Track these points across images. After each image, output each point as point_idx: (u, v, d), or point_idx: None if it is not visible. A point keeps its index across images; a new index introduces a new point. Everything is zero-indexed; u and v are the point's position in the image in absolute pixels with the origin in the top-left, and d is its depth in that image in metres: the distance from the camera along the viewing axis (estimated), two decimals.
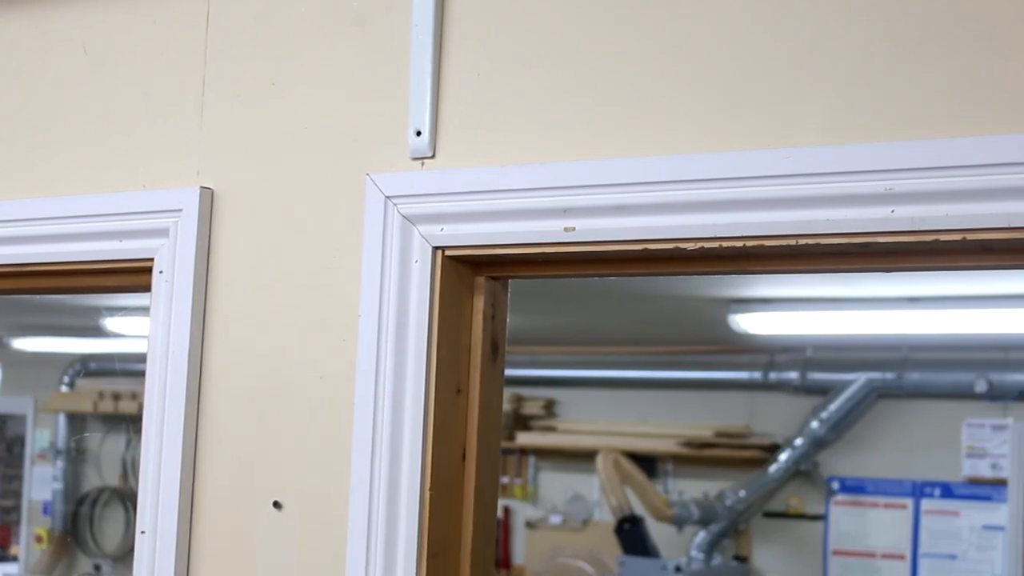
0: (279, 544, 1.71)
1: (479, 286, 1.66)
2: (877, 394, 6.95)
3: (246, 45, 1.83)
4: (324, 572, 1.66)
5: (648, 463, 7.41)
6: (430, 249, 1.61)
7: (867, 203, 1.35)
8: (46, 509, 9.57)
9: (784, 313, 5.98)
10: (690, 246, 1.46)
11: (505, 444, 7.73)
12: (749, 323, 6.06)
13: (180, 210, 1.81)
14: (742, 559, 7.34)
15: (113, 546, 9.32)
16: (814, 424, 7.01)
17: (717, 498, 6.92)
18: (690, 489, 7.30)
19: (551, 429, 7.92)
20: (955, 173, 1.30)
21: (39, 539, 9.52)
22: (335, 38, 1.74)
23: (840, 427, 7.03)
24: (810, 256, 1.44)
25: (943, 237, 1.33)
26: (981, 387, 6.58)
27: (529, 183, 1.54)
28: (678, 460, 7.59)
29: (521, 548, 8.18)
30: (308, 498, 1.69)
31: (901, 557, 7.01)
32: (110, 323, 7.05)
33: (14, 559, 9.66)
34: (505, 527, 8.16)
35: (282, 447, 1.72)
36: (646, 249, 1.49)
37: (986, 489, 6.85)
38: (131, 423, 9.12)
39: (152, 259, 1.83)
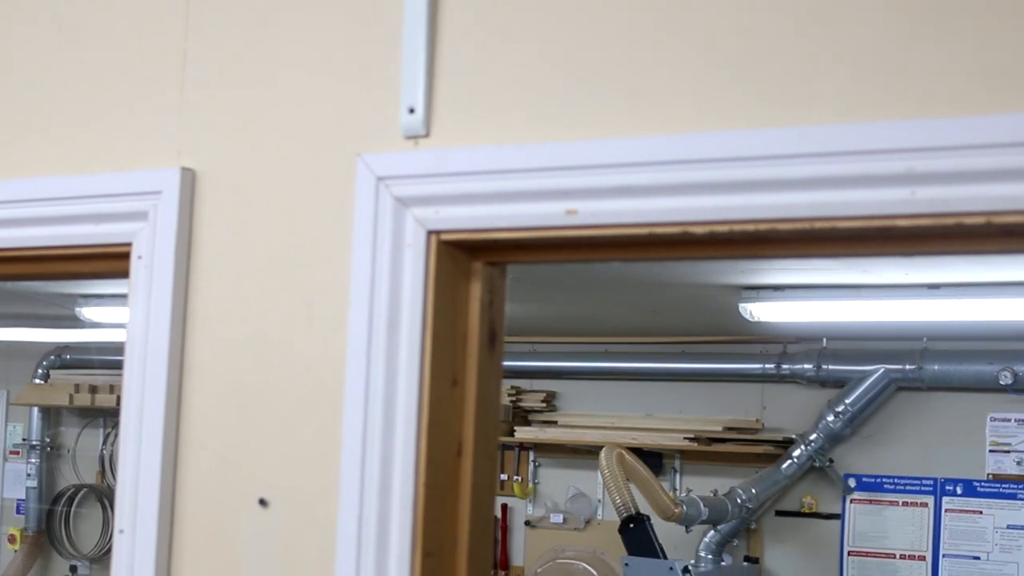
0: (265, 544, 1.71)
1: (476, 272, 1.66)
2: (896, 386, 6.95)
3: (229, 19, 1.82)
4: (312, 573, 1.66)
5: (654, 459, 7.41)
6: (424, 233, 1.61)
7: (886, 184, 1.35)
8: (19, 508, 9.58)
9: (798, 301, 5.97)
10: (699, 230, 1.46)
11: (503, 439, 7.74)
12: (761, 312, 6.06)
13: (160, 192, 1.81)
14: (753, 560, 7.35)
15: (90, 546, 9.33)
16: (829, 418, 7.02)
17: (727, 496, 6.92)
18: (698, 486, 7.29)
19: (552, 423, 7.92)
20: (979, 152, 1.30)
21: (12, 539, 9.52)
22: (323, 11, 1.74)
23: (857, 421, 7.03)
24: (825, 240, 1.44)
25: (966, 220, 1.33)
26: (1006, 379, 6.58)
27: (529, 163, 1.54)
28: (686, 456, 7.59)
29: (520, 548, 8.19)
30: (295, 495, 1.69)
31: (921, 558, 7.02)
32: (86, 312, 7.04)
33: None
34: (503, 526, 8.17)
35: (268, 442, 1.72)
36: (652, 233, 1.49)
37: (1011, 486, 6.85)
38: (109, 417, 9.13)
39: (130, 244, 1.83)
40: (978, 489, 6.92)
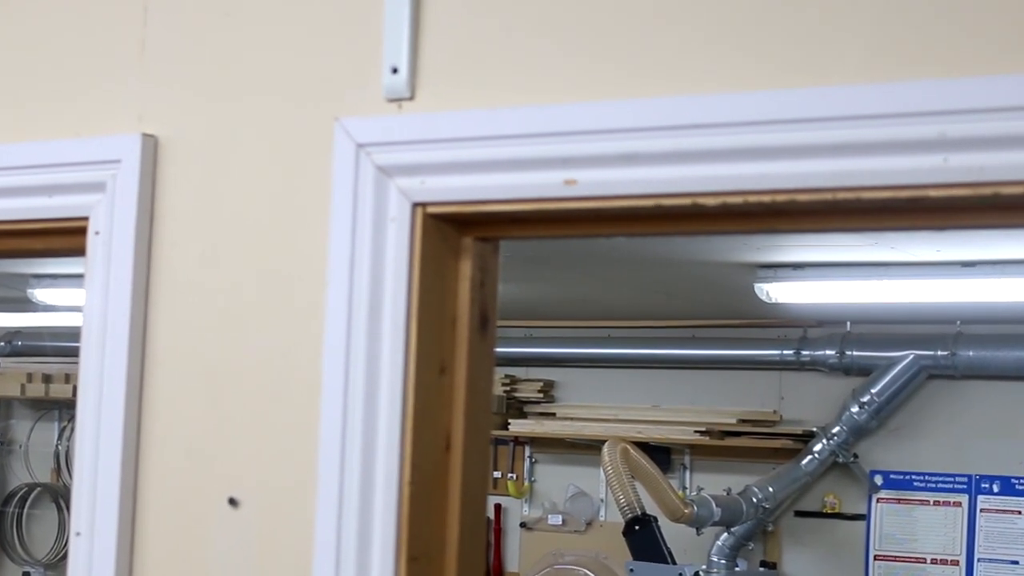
0: (235, 548, 1.71)
1: (466, 248, 1.66)
2: (927, 374, 6.97)
3: None
4: None
5: (662, 454, 7.43)
6: (409, 205, 1.61)
7: (916, 150, 1.35)
8: None
9: (819, 281, 5.99)
10: (710, 201, 1.46)
11: (496, 432, 7.75)
12: (779, 292, 6.07)
13: (119, 161, 1.80)
14: (770, 565, 7.37)
15: (45, 551, 9.35)
16: (854, 409, 7.03)
17: (741, 495, 6.94)
18: (710, 484, 7.31)
19: (549, 415, 7.94)
20: (1019, 115, 1.30)
21: None
22: None
23: (884, 413, 7.05)
24: (850, 212, 1.44)
25: (1004, 190, 1.33)
26: None
27: (523, 129, 1.54)
28: (696, 451, 7.61)
29: (515, 552, 8.21)
30: (269, 494, 1.70)
31: (954, 563, 7.05)
32: (39, 293, 7.04)
33: None
34: (497, 528, 8.19)
35: (239, 436, 1.72)
36: (659, 205, 1.49)
37: None
38: (65, 409, 9.14)
39: (87, 218, 1.83)
40: (1016, 487, 6.93)
